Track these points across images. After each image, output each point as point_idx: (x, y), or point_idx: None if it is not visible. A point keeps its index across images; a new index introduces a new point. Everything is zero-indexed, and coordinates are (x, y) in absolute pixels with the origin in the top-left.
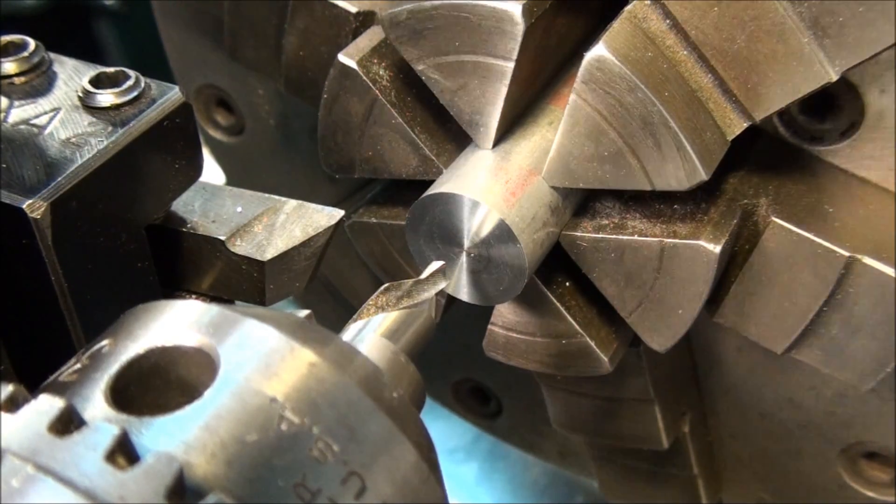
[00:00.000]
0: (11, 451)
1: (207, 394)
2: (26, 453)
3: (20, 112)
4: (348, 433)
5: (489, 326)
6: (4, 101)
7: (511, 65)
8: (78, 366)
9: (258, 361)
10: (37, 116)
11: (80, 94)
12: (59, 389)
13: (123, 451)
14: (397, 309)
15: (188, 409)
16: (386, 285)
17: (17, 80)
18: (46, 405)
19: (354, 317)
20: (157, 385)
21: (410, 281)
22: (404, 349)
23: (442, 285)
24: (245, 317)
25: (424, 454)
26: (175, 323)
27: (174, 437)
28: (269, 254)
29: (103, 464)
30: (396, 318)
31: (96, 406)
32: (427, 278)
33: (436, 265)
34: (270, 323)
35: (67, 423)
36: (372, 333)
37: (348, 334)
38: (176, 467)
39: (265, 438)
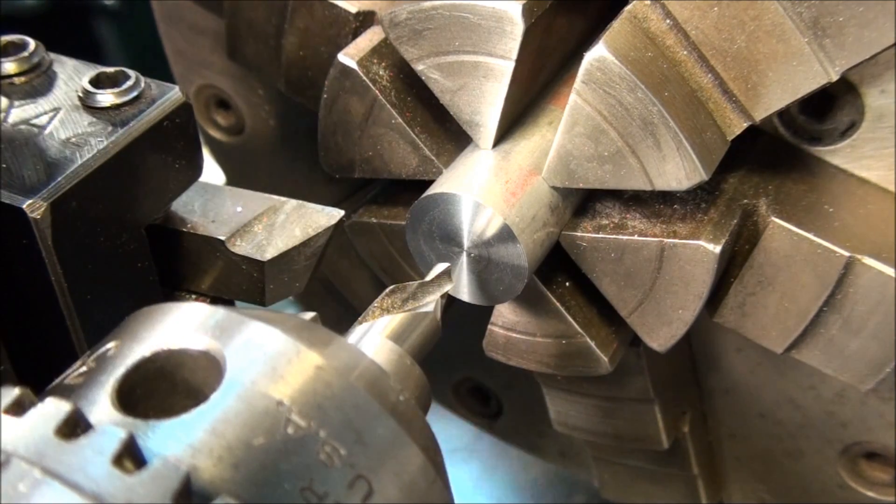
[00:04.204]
0: (18, 454)
1: (214, 397)
2: (33, 457)
3: (20, 112)
4: (355, 436)
5: (489, 326)
6: (4, 101)
7: (511, 65)
8: (84, 368)
9: (264, 364)
10: (37, 116)
11: (80, 94)
12: (65, 392)
13: (130, 455)
14: (402, 311)
15: (194, 413)
16: (391, 287)
17: (17, 80)
18: (53, 409)
19: (360, 319)
20: (163, 388)
21: (415, 283)
22: (410, 351)
23: (447, 287)
24: (251, 319)
25: (431, 457)
26: (181, 326)
27: (180, 440)
28: (269, 254)
29: (110, 468)
30: (402, 320)
31: (102, 409)
32: (432, 280)
33: (441, 267)
34: (276, 325)
35: (74, 426)
36: (377, 336)
37: (354, 336)
38: (183, 471)
39: (272, 442)
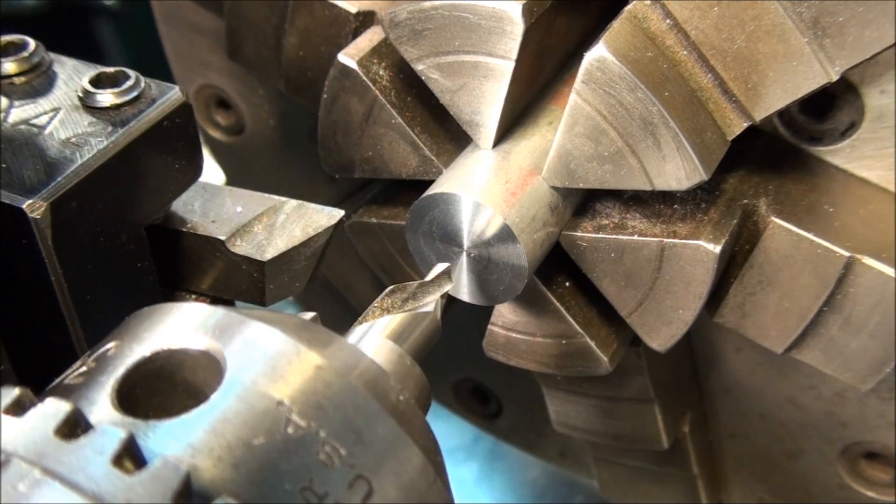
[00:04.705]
0: (18, 454)
1: (214, 397)
2: (33, 457)
3: (20, 112)
4: (355, 436)
5: (489, 326)
6: (4, 101)
7: (511, 65)
8: (84, 368)
9: (264, 364)
10: (37, 116)
11: (80, 94)
12: (65, 392)
13: (130, 455)
14: (402, 311)
15: (194, 413)
16: (391, 287)
17: (17, 80)
18: (53, 409)
19: (360, 319)
20: (163, 388)
21: (415, 283)
22: (410, 351)
23: (447, 287)
24: (251, 319)
25: (431, 457)
26: (181, 325)
27: (180, 440)
28: (269, 254)
29: (110, 468)
30: (402, 320)
31: (102, 409)
32: (432, 280)
33: (441, 267)
34: (276, 325)
35: (74, 426)
36: (377, 336)
37: (354, 336)
38: (183, 471)
39: (272, 442)
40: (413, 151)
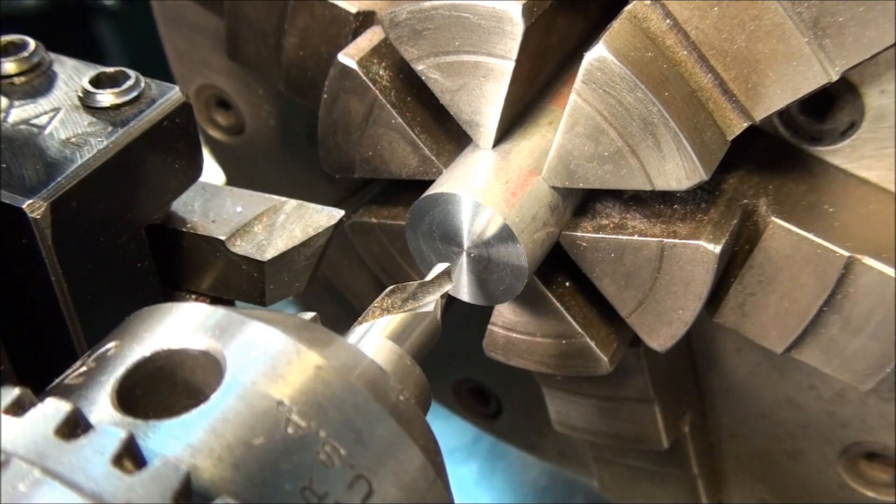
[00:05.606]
0: (18, 454)
1: (214, 397)
2: (33, 457)
3: (20, 112)
4: (355, 436)
5: (489, 326)
6: (4, 101)
7: (511, 65)
8: (84, 368)
9: (264, 364)
10: (37, 116)
11: (80, 94)
12: (65, 392)
13: (130, 455)
14: (402, 311)
15: (194, 413)
16: (391, 287)
17: (17, 80)
18: (53, 409)
19: (360, 319)
20: (163, 388)
21: (415, 283)
22: (410, 351)
23: (447, 287)
24: (251, 319)
25: (431, 457)
26: (181, 326)
27: (180, 440)
28: (269, 254)
29: (110, 468)
30: (402, 320)
31: (102, 409)
32: (432, 280)
33: (441, 267)
34: (276, 325)
35: (74, 426)
36: (377, 336)
37: (354, 336)
38: (183, 471)
39: (272, 442)
40: (413, 151)
